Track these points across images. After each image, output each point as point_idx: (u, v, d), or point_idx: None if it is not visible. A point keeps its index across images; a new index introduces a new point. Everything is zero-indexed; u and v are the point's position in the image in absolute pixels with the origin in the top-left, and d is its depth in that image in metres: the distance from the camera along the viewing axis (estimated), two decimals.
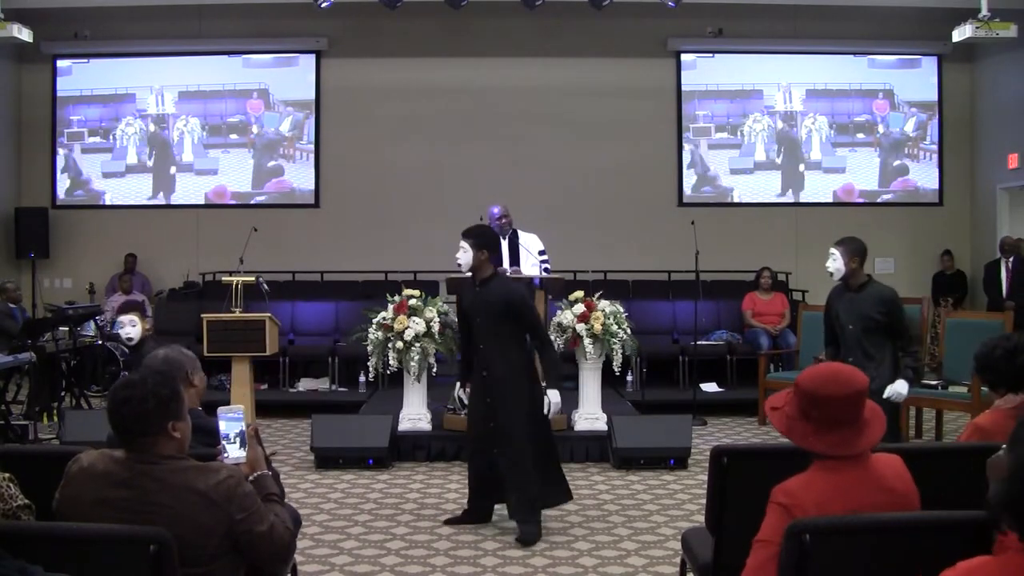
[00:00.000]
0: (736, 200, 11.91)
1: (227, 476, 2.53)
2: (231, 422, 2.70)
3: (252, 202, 11.87)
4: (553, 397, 5.05)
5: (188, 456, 2.59)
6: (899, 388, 5.09)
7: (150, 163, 11.87)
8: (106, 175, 11.88)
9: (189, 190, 11.88)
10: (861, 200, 11.96)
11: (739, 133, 11.90)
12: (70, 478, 2.55)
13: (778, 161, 11.92)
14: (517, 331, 5.11)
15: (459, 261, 5.14)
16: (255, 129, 11.86)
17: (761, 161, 11.92)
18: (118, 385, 2.56)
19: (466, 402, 5.43)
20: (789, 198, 11.90)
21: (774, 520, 2.43)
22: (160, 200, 11.86)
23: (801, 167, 11.92)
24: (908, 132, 11.99)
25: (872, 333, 5.13)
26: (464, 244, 5.11)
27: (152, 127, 11.86)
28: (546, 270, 7.22)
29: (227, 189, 11.88)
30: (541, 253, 7.30)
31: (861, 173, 11.96)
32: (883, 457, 2.54)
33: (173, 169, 11.88)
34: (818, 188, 11.94)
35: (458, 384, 5.49)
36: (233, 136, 11.90)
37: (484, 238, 5.16)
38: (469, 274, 5.21)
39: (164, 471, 2.49)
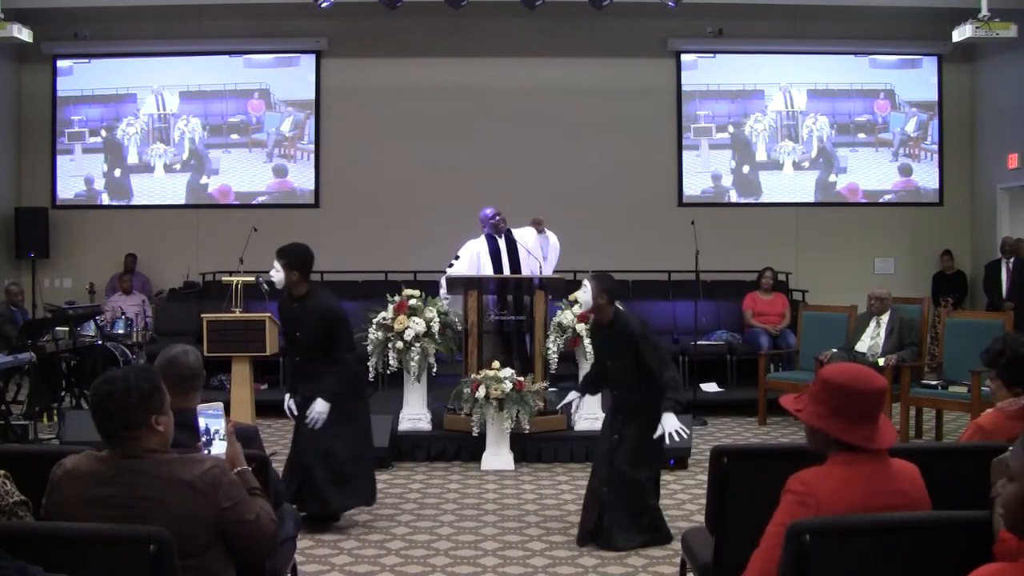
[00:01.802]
0: (735, 200, 11.90)
1: (212, 466, 2.54)
2: (211, 419, 2.71)
3: (254, 202, 11.86)
4: (318, 406, 5.12)
5: (172, 450, 2.59)
6: (667, 424, 4.73)
7: (151, 163, 11.86)
8: (107, 175, 11.86)
9: (191, 190, 11.87)
10: (864, 200, 11.94)
11: (741, 133, 11.89)
12: (55, 483, 2.55)
13: (779, 161, 11.91)
14: (334, 347, 5.15)
15: (272, 279, 5.21)
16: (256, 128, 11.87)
17: (762, 161, 11.91)
18: (99, 381, 2.55)
19: (295, 412, 5.43)
20: (790, 198, 11.88)
21: (785, 507, 2.45)
22: (161, 200, 11.84)
23: (797, 167, 11.92)
24: (909, 132, 11.98)
25: (627, 367, 4.93)
26: (276, 264, 5.17)
27: (153, 127, 11.84)
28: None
29: (231, 189, 11.87)
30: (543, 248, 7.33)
31: (863, 173, 11.95)
32: (900, 462, 2.56)
33: (174, 169, 11.86)
34: (820, 188, 11.92)
35: (287, 396, 5.53)
36: (234, 136, 11.89)
37: (295, 257, 5.18)
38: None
39: (149, 465, 2.49)
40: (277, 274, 5.18)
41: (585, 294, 5.01)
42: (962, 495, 2.56)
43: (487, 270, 7.26)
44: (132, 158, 11.86)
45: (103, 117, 11.85)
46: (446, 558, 4.78)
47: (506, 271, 7.29)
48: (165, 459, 2.52)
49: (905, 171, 11.98)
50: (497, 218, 7.34)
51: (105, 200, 11.87)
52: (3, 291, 9.47)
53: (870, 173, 11.95)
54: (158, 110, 11.83)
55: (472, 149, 11.57)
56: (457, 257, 7.40)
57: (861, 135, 11.95)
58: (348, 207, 11.63)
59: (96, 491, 2.48)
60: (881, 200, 11.95)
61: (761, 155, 11.90)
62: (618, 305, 5.06)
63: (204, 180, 11.86)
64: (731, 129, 11.86)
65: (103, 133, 11.84)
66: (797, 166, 11.92)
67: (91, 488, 2.49)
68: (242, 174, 11.90)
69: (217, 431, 2.71)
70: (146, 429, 2.51)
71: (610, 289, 4.98)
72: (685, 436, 4.93)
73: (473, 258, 7.34)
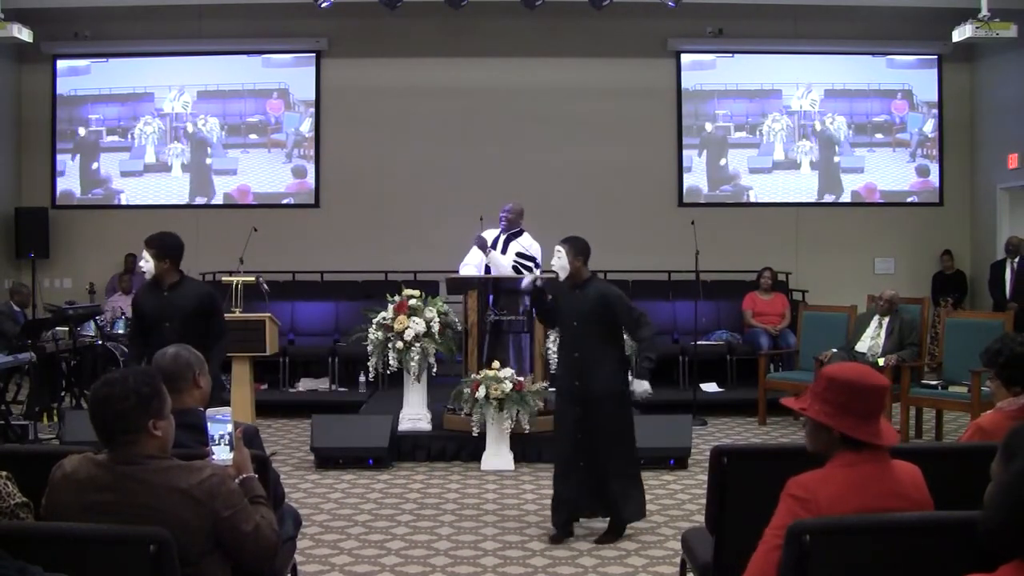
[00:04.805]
0: (754, 200, 11.86)
1: (210, 474, 2.52)
2: (218, 424, 2.69)
3: (282, 203, 11.84)
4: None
5: (171, 455, 2.57)
6: (636, 388, 5.07)
7: (168, 163, 11.81)
8: (124, 174, 11.84)
9: (206, 190, 11.85)
10: (881, 200, 11.92)
11: (758, 132, 11.89)
12: (54, 485, 2.54)
13: (797, 161, 11.87)
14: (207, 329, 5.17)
15: (143, 269, 5.21)
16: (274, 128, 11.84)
17: (780, 160, 11.89)
18: (98, 384, 2.53)
19: None
20: (806, 198, 11.85)
21: (785, 511, 2.44)
22: (177, 200, 11.79)
23: (810, 165, 11.92)
24: (927, 133, 11.95)
25: (595, 329, 5.06)
26: (145, 254, 5.16)
27: (170, 126, 11.79)
28: (529, 268, 7.11)
29: (250, 189, 11.83)
30: (523, 256, 7.15)
31: (880, 174, 11.91)
32: (902, 464, 2.55)
33: (191, 168, 11.83)
34: (836, 188, 11.90)
35: None
36: (253, 136, 11.85)
37: (164, 248, 5.18)
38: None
39: (147, 472, 2.48)
40: (147, 264, 5.17)
41: (560, 259, 5.13)
42: (962, 495, 2.56)
43: (478, 258, 7.21)
44: (150, 157, 11.84)
45: (121, 116, 11.83)
46: (446, 558, 4.78)
47: (491, 267, 7.22)
48: (163, 466, 2.50)
49: (923, 172, 11.95)
50: (501, 213, 7.30)
51: (124, 200, 11.85)
52: (7, 291, 9.45)
53: (887, 174, 11.93)
54: (173, 109, 11.80)
55: (472, 149, 11.57)
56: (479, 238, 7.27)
57: (879, 135, 11.90)
58: (348, 207, 11.63)
59: (94, 496, 2.47)
60: (905, 201, 11.90)
61: (779, 154, 11.90)
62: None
63: (222, 180, 11.83)
64: (749, 128, 11.85)
65: (120, 132, 11.83)
66: (815, 166, 11.89)
67: (90, 493, 2.48)
68: (260, 174, 11.86)
69: (223, 436, 2.70)
70: (144, 433, 2.49)
71: (586, 251, 5.17)
72: (650, 396, 5.15)
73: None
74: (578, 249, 5.15)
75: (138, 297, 5.42)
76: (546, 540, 5.06)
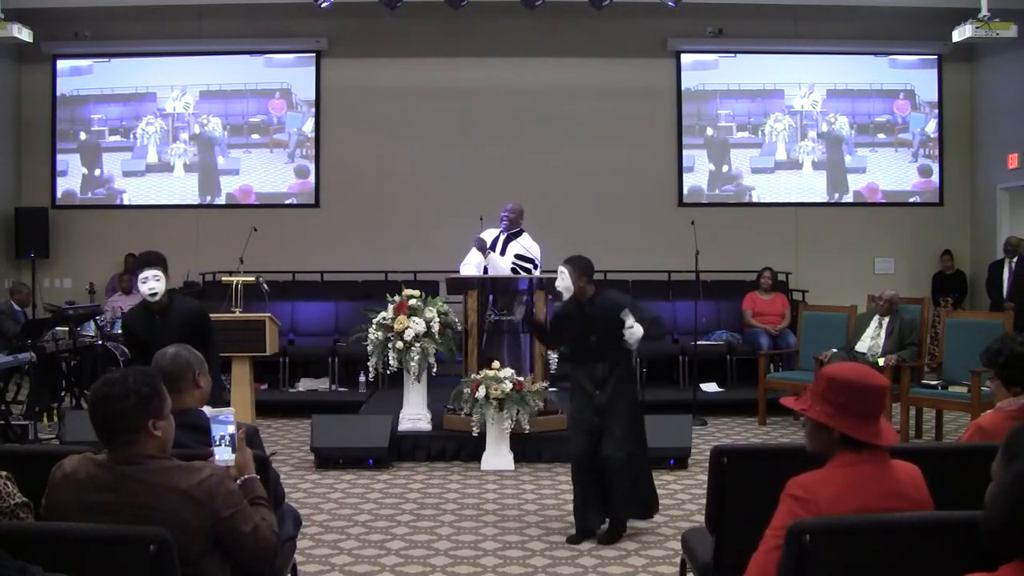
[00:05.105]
0: (756, 200, 11.86)
1: (209, 475, 2.52)
2: (220, 425, 2.69)
3: (285, 203, 11.83)
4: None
5: (171, 456, 2.57)
6: (637, 331, 5.03)
7: (171, 163, 11.81)
8: (126, 174, 11.84)
9: (212, 190, 11.82)
10: (883, 200, 11.93)
11: (760, 132, 11.88)
12: (54, 485, 2.54)
13: (799, 161, 11.87)
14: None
15: (154, 290, 5.09)
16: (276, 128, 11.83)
17: (782, 160, 11.89)
18: (98, 383, 2.53)
19: None
20: (809, 198, 11.84)
21: (785, 512, 2.44)
22: (179, 200, 11.78)
23: (812, 165, 11.92)
24: (929, 133, 11.94)
25: (612, 337, 5.07)
26: (155, 273, 5.07)
27: (173, 126, 11.78)
28: (527, 270, 7.12)
29: (252, 189, 11.82)
30: (521, 258, 7.16)
31: (882, 174, 11.90)
32: (902, 464, 2.55)
33: (193, 168, 11.83)
34: (842, 188, 11.87)
35: None
36: (255, 136, 11.85)
37: (166, 265, 5.12)
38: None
39: (146, 472, 2.48)
40: (159, 283, 5.02)
41: (564, 280, 5.13)
42: (962, 495, 2.56)
43: (478, 258, 7.21)
44: (152, 157, 11.83)
45: (123, 116, 11.83)
46: (446, 558, 4.78)
47: (490, 268, 7.22)
48: (163, 466, 2.50)
49: (925, 172, 11.94)
50: (502, 213, 7.29)
51: (126, 200, 11.85)
52: (8, 291, 9.45)
53: (889, 174, 11.92)
54: (175, 109, 11.78)
55: (472, 149, 11.56)
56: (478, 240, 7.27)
57: (881, 135, 11.89)
58: (348, 207, 11.63)
59: (94, 497, 2.48)
60: (907, 201, 11.91)
61: (781, 154, 11.89)
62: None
63: (224, 180, 11.82)
64: (751, 128, 11.85)
65: (122, 132, 11.82)
66: (817, 165, 11.88)
67: (90, 494, 2.48)
68: (263, 174, 11.84)
69: (224, 436, 2.69)
70: (143, 433, 2.49)
71: (589, 270, 5.17)
72: (637, 336, 5.05)
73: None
74: (581, 269, 5.14)
75: (129, 322, 5.24)
76: (546, 540, 5.06)
